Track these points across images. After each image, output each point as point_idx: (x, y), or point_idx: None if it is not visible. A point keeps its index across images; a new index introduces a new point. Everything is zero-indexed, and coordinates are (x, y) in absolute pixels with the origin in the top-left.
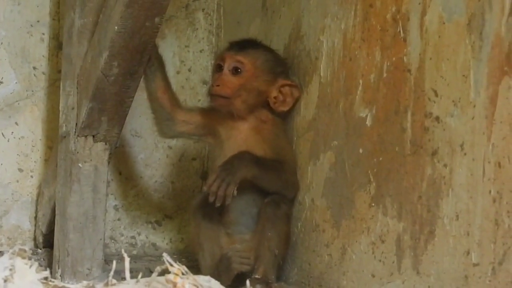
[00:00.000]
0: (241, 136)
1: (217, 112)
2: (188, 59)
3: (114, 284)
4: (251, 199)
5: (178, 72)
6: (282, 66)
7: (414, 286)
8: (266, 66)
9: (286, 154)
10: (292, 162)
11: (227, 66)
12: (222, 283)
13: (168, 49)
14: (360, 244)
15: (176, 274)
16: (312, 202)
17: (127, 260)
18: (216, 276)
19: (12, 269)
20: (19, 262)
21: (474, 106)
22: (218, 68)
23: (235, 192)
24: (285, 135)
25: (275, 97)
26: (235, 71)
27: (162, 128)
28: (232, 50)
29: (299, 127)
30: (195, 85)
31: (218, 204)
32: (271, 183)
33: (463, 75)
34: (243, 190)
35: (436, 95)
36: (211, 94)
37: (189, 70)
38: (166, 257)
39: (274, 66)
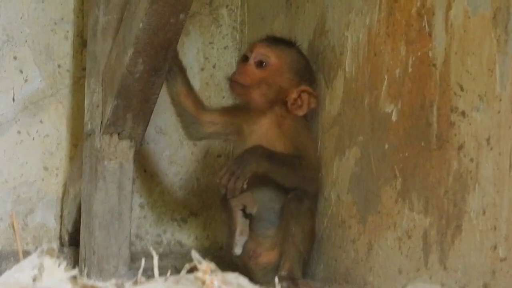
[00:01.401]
0: (262, 131)
1: (241, 109)
2: (212, 55)
3: (143, 282)
4: (274, 195)
5: (202, 69)
6: (309, 74)
7: (441, 281)
8: (293, 66)
9: (306, 150)
10: (312, 157)
11: (253, 58)
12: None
13: (192, 45)
14: (387, 239)
15: (205, 272)
16: (338, 197)
17: (155, 258)
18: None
19: (40, 268)
20: (48, 261)
21: (500, 100)
22: (244, 58)
23: (245, 185)
24: (306, 131)
25: (294, 99)
26: (260, 64)
27: (189, 131)
28: (262, 43)
29: (324, 123)
30: (220, 82)
31: (229, 197)
32: (286, 178)
33: (489, 69)
34: (265, 185)
35: (462, 89)
36: (230, 81)
37: (214, 66)
38: (194, 254)
39: (301, 70)
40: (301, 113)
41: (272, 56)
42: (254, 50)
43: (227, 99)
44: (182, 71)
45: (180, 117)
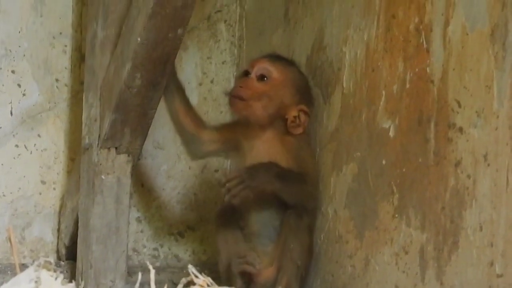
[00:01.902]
0: (263, 146)
1: (240, 125)
2: (210, 70)
3: None
4: (274, 212)
5: (200, 84)
6: (308, 94)
7: None
8: (294, 83)
9: (308, 166)
10: (313, 173)
11: (255, 72)
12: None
13: (190, 60)
14: (384, 255)
15: (201, 286)
16: (335, 213)
17: (152, 272)
18: (226, 281)
19: (37, 281)
20: (45, 274)
21: (498, 116)
22: (244, 73)
23: (251, 195)
24: (308, 147)
25: (294, 117)
26: (261, 78)
27: (190, 150)
28: (264, 58)
29: (321, 138)
30: (218, 97)
31: (226, 199)
32: (292, 196)
33: (487, 86)
34: (265, 202)
35: (460, 105)
36: (230, 95)
37: (211, 81)
38: (191, 268)
39: (302, 88)
40: (298, 132)
41: (274, 70)
42: (255, 65)
43: (225, 114)
44: (180, 88)
45: (180, 135)
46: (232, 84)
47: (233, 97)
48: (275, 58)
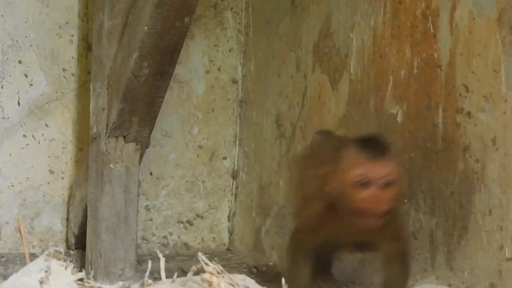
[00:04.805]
0: None
1: None
2: (217, 58)
3: (150, 285)
4: None
5: (207, 72)
6: None
7: (448, 282)
8: None
9: None
10: None
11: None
12: None
13: (197, 48)
14: None
15: (212, 273)
16: None
17: (162, 260)
18: None
19: (47, 271)
20: (55, 264)
21: (506, 101)
22: None
23: None
24: None
25: None
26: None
27: None
28: None
29: (329, 125)
30: (225, 85)
31: None
32: None
33: (494, 70)
34: None
35: (467, 90)
36: None
37: (219, 69)
38: (201, 256)
39: None
40: None
41: None
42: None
43: (232, 101)
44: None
45: None
46: (238, 72)
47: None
48: None
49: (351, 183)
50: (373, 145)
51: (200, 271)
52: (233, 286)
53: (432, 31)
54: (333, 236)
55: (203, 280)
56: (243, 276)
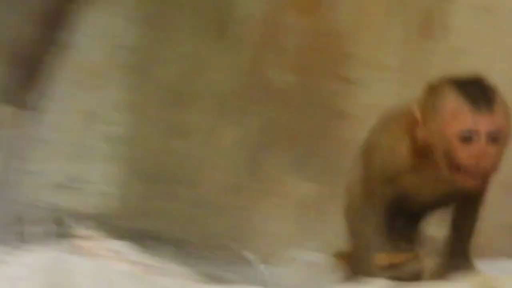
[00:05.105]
0: None
1: None
2: (109, 23)
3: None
4: None
5: (97, 37)
6: None
7: None
8: None
9: None
10: None
11: None
12: None
13: (90, 13)
14: None
15: (85, 238)
16: None
17: (33, 224)
18: None
19: None
20: None
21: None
22: None
23: None
24: None
25: None
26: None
27: None
28: None
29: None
30: (114, 50)
31: None
32: None
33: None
34: None
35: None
36: None
37: (109, 35)
38: (71, 220)
39: None
40: None
41: None
42: None
43: (122, 67)
44: None
45: None
46: (130, 38)
47: None
48: None
49: (454, 136)
50: (478, 91)
51: (73, 236)
52: (107, 250)
53: None
54: (414, 189)
55: (75, 245)
56: (122, 243)
